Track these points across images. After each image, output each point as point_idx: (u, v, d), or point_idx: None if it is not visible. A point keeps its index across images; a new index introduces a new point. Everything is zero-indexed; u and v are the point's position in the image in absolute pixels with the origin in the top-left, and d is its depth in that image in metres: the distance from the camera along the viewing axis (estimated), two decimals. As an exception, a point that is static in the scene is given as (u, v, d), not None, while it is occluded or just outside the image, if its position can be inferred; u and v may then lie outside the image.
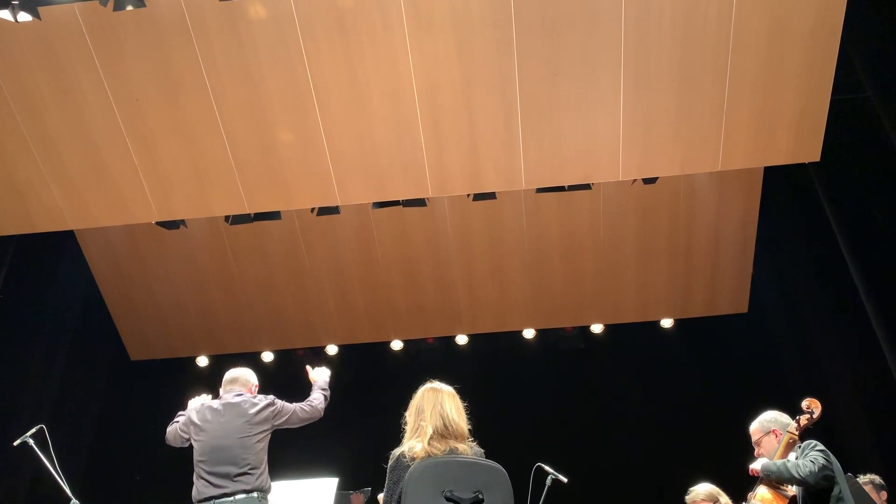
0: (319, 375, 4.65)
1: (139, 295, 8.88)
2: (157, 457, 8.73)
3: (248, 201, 6.99)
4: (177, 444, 4.36)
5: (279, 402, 4.33)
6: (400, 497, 2.84)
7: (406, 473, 2.85)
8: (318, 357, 9.21)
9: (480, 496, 2.80)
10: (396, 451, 3.05)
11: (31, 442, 4.42)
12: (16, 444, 4.44)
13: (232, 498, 3.97)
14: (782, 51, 6.09)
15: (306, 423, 4.41)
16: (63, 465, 4.41)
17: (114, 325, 9.14)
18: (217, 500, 3.98)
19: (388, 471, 3.02)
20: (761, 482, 3.97)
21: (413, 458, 2.94)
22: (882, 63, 6.84)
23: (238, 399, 4.29)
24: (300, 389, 4.64)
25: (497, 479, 2.88)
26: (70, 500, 4.28)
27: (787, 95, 6.28)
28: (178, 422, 4.40)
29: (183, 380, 9.31)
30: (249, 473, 4.04)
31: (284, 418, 4.30)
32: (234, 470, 4.03)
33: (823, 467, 3.65)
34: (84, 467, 8.72)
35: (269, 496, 4.16)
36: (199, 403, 4.40)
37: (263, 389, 4.50)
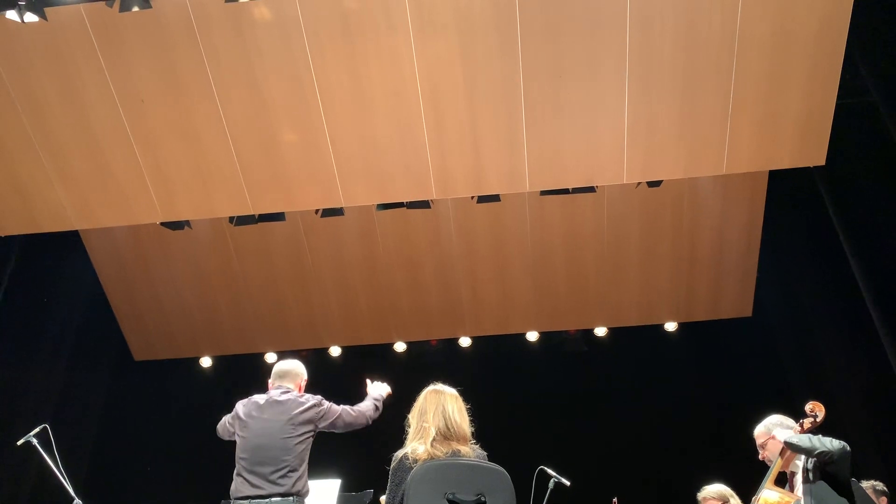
0: (375, 389, 4.51)
1: (143, 295, 8.89)
2: (160, 457, 8.80)
3: (252, 202, 7.01)
4: (225, 437, 4.27)
5: (326, 404, 4.21)
6: (402, 499, 2.84)
7: (408, 475, 2.85)
8: (322, 359, 9.22)
9: (483, 499, 2.80)
10: (399, 453, 3.05)
11: (35, 441, 4.43)
12: (19, 443, 4.45)
13: (267, 500, 3.87)
14: (787, 54, 6.08)
15: (351, 428, 4.27)
16: (66, 465, 4.41)
17: (118, 326, 9.15)
18: (252, 501, 3.89)
19: (390, 472, 3.02)
20: (770, 479, 3.95)
21: (416, 460, 2.94)
22: (888, 67, 6.82)
23: (284, 397, 4.18)
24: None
25: (499, 482, 2.87)
26: (73, 499, 4.29)
27: (792, 99, 6.27)
28: (228, 415, 4.31)
29: (186, 380, 9.34)
30: (288, 476, 3.93)
31: (329, 421, 4.17)
32: (272, 471, 3.93)
33: (845, 447, 3.64)
34: (87, 467, 8.74)
35: (307, 499, 4.05)
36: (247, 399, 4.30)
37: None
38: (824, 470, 3.70)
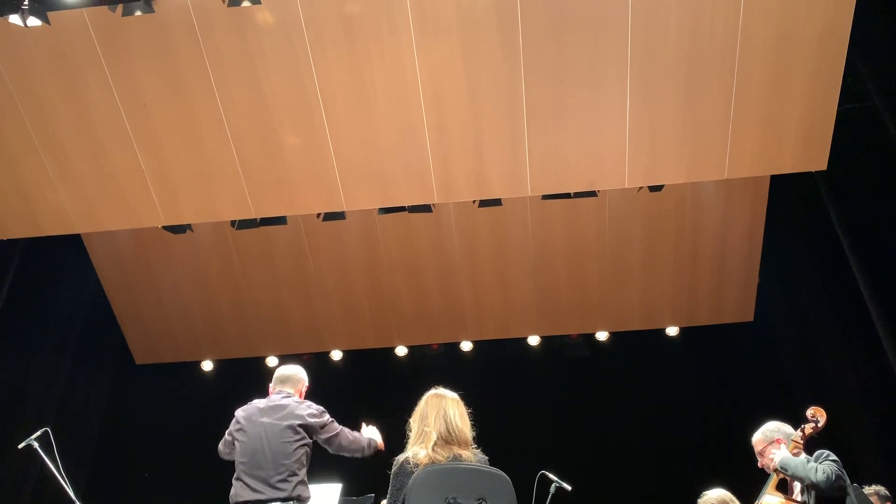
0: (370, 430, 4.44)
1: (145, 299, 8.90)
2: (162, 461, 8.79)
3: (254, 206, 7.01)
4: (229, 452, 4.18)
5: (328, 416, 4.18)
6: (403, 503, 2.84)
7: (409, 480, 2.85)
8: (323, 362, 9.22)
9: (484, 503, 2.80)
10: (400, 458, 3.05)
11: (36, 445, 4.43)
12: (21, 446, 4.45)
13: None
14: (789, 59, 6.08)
15: (343, 451, 4.21)
16: (67, 469, 4.41)
17: (119, 329, 9.16)
18: None
19: (391, 477, 3.02)
20: (771, 485, 3.94)
21: (417, 465, 2.94)
22: (889, 72, 6.83)
23: (285, 401, 4.16)
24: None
25: (500, 487, 2.87)
26: (74, 503, 4.28)
27: (794, 103, 6.27)
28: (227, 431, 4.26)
29: (188, 384, 9.34)
30: (288, 480, 3.91)
31: (328, 435, 4.14)
32: (272, 475, 3.90)
33: (839, 478, 3.63)
34: (88, 471, 8.73)
35: None
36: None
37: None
38: (818, 496, 3.70)
